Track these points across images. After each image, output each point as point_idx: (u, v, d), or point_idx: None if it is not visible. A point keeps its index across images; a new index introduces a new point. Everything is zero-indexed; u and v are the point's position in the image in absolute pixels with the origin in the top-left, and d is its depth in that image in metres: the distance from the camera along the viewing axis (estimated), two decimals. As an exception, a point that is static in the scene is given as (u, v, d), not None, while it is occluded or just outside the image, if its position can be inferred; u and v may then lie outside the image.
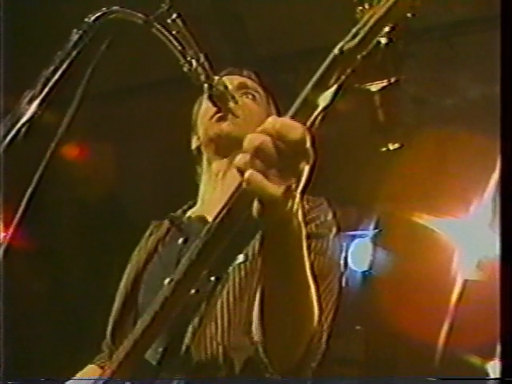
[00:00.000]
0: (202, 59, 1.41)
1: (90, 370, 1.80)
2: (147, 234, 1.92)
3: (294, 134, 0.99)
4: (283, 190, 1.01)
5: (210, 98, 1.53)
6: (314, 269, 1.30)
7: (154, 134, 5.07)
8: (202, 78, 1.44)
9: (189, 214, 1.87)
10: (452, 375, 4.20)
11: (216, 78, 1.48)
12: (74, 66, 1.28)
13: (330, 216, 1.67)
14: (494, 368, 3.70)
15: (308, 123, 1.02)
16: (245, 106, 1.83)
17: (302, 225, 1.16)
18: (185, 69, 1.43)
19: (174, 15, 1.37)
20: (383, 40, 1.04)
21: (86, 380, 1.44)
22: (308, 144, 1.01)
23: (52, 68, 1.27)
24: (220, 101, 1.56)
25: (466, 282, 4.07)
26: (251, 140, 1.00)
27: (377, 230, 5.14)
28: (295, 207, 1.09)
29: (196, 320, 1.55)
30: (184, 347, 1.53)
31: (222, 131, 1.78)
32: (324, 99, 1.04)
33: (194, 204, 1.91)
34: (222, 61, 1.72)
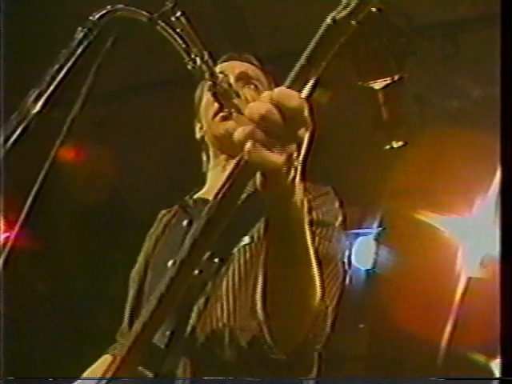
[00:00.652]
0: (206, 57, 1.41)
1: (105, 361, 1.80)
2: (157, 221, 1.93)
3: (293, 101, 0.99)
4: (285, 158, 1.01)
5: (214, 95, 1.54)
6: (318, 253, 1.31)
7: (158, 132, 5.07)
8: (206, 75, 1.45)
9: (194, 197, 1.89)
10: (456, 373, 4.20)
11: (220, 75, 1.48)
12: (78, 64, 1.28)
13: (336, 204, 1.68)
14: (497, 366, 3.70)
15: (304, 93, 1.03)
16: (249, 97, 1.82)
17: (305, 199, 1.16)
18: (189, 66, 1.43)
19: (179, 13, 1.37)
20: (373, 9, 1.05)
21: (87, 380, 1.44)
22: (306, 112, 1.01)
23: (57, 66, 1.27)
24: (224, 98, 1.56)
25: (469, 279, 4.07)
26: (254, 108, 1.00)
27: (380, 229, 5.13)
28: (297, 177, 1.09)
29: (201, 301, 1.56)
30: (189, 328, 1.54)
31: (228, 131, 1.78)
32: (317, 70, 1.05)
33: (201, 189, 1.92)
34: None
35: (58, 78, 1.25)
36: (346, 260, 1.67)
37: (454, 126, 4.35)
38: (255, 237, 1.59)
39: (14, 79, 2.21)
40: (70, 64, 1.27)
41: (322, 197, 1.66)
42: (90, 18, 1.33)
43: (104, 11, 1.34)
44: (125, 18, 1.35)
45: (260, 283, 1.37)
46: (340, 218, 1.66)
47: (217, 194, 1.10)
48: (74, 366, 1.80)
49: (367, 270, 5.13)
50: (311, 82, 1.05)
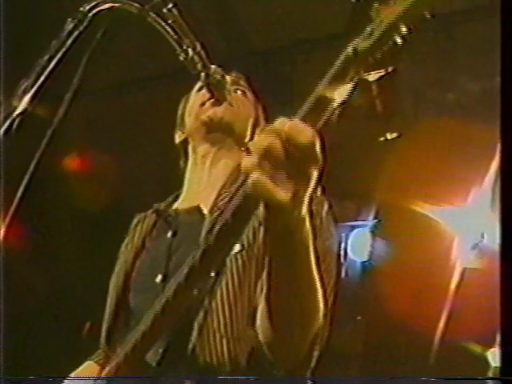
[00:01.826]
0: (199, 48, 1.41)
1: (88, 368, 1.79)
2: (132, 227, 1.90)
3: (304, 137, 0.96)
4: (291, 195, 0.98)
5: (207, 86, 1.53)
6: (320, 270, 1.28)
7: (141, 129, 5.06)
8: (199, 66, 1.44)
9: (175, 205, 1.85)
10: (452, 363, 4.21)
11: (212, 66, 1.47)
12: (69, 56, 1.28)
13: (325, 208, 1.65)
14: (494, 355, 3.71)
15: (318, 125, 0.99)
16: (237, 98, 1.84)
17: (310, 230, 1.13)
18: (181, 58, 1.42)
19: (170, 5, 1.36)
20: (399, 40, 0.99)
21: (85, 379, 1.43)
22: (318, 148, 0.98)
23: (47, 57, 1.26)
24: (216, 90, 1.56)
25: (464, 270, 4.07)
26: (259, 141, 0.97)
27: (376, 221, 5.13)
28: (303, 213, 1.06)
29: (200, 316, 1.54)
30: (191, 345, 1.52)
31: (216, 114, 1.79)
32: (338, 96, 1.01)
33: (179, 195, 1.89)
34: (218, 52, 1.73)
35: (49, 69, 1.25)
36: (341, 252, 1.66)
37: (448, 118, 4.35)
38: (245, 243, 1.57)
39: (4, 71, 2.19)
40: (60, 55, 1.26)
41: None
42: (81, 9, 1.32)
43: (94, 2, 1.33)
44: (116, 9, 1.34)
45: (262, 301, 1.36)
46: (326, 207, 1.64)
47: (211, 208, 1.06)
48: (72, 365, 1.79)
49: (363, 262, 5.12)
50: (326, 114, 1.00)
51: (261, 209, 1.03)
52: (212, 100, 1.78)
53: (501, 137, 1.28)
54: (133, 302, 1.72)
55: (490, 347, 3.75)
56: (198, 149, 1.87)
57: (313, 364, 1.54)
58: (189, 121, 1.90)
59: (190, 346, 1.52)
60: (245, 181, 1.00)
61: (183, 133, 1.94)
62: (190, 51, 1.40)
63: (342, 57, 1.01)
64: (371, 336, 5.23)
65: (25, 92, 1.25)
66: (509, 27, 1.29)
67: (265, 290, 1.32)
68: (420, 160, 4.45)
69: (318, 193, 1.63)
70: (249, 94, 1.93)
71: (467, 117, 4.26)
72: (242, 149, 1.85)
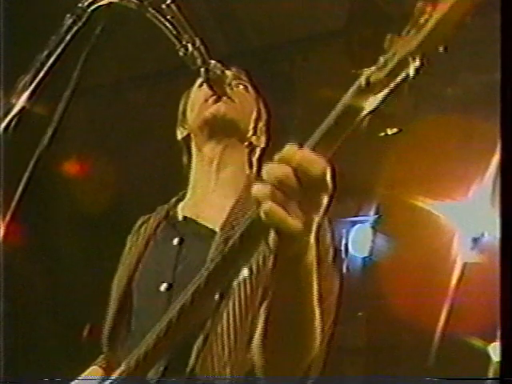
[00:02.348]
0: (198, 43, 1.41)
1: (93, 372, 1.79)
2: (135, 229, 1.89)
3: (316, 168, 0.97)
4: (303, 223, 0.99)
5: (207, 81, 1.53)
6: (321, 293, 1.27)
7: (142, 126, 5.05)
8: (199, 62, 1.44)
9: (181, 207, 1.83)
10: (454, 358, 4.21)
11: (212, 62, 1.47)
12: (68, 52, 1.27)
13: (328, 239, 1.63)
14: (495, 350, 3.71)
15: (329, 154, 1.00)
16: (239, 93, 1.83)
17: (315, 254, 1.13)
18: (180, 53, 1.42)
19: (169, 0, 1.36)
20: (411, 73, 0.98)
21: (86, 380, 1.43)
22: (329, 177, 0.99)
23: (46, 52, 1.26)
24: (216, 85, 1.55)
25: (465, 264, 4.07)
26: (272, 170, 0.98)
27: (377, 216, 5.13)
28: (312, 239, 1.07)
29: (201, 339, 1.52)
30: (189, 368, 1.51)
31: (219, 111, 1.77)
32: (345, 129, 1.01)
33: (184, 195, 1.88)
34: (216, 50, 1.72)
35: (47, 65, 1.24)
36: (343, 248, 1.66)
37: (450, 112, 4.34)
38: (254, 268, 1.56)
39: (3, 68, 2.18)
40: (58, 51, 1.25)
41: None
42: (79, 5, 1.32)
43: (93, -2, 1.33)
44: (114, 5, 1.33)
45: (261, 323, 1.35)
46: (331, 253, 1.61)
47: (224, 226, 1.02)
48: (72, 366, 1.79)
49: (364, 257, 5.12)
50: (337, 145, 1.00)
51: (271, 235, 1.04)
52: (214, 97, 1.76)
53: (501, 132, 1.28)
54: (136, 305, 1.72)
55: (492, 342, 3.75)
56: (202, 148, 1.84)
57: None
58: (191, 117, 1.88)
59: (189, 368, 1.51)
60: (257, 207, 1.01)
61: (185, 129, 1.92)
62: (190, 46, 1.40)
63: (354, 87, 1.01)
64: (372, 331, 5.23)
65: (23, 89, 1.25)
66: (509, 22, 1.28)
67: (264, 313, 1.31)
68: (421, 155, 4.45)
69: (328, 240, 1.61)
70: (250, 88, 1.92)
71: (468, 112, 4.25)
72: (246, 143, 1.84)
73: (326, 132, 1.00)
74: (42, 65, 1.25)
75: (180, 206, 1.85)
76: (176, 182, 1.95)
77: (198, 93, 1.85)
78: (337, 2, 4.06)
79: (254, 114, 1.87)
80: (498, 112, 1.29)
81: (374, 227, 5.11)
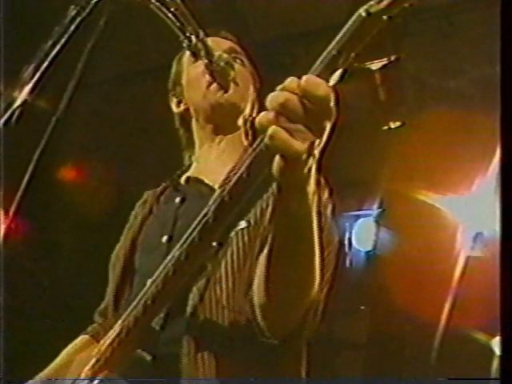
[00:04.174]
0: (202, 35, 1.41)
1: (84, 341, 1.81)
2: (140, 202, 1.91)
3: (321, 91, 0.99)
4: (307, 145, 1.01)
5: (211, 73, 1.53)
6: (322, 242, 1.30)
7: (146, 121, 5.05)
8: (202, 53, 1.44)
9: (185, 175, 1.86)
10: (457, 352, 4.22)
11: (216, 53, 1.47)
12: (71, 43, 1.27)
13: (326, 194, 1.65)
14: (498, 344, 3.70)
15: (331, 82, 1.02)
16: (240, 73, 1.81)
17: (315, 189, 1.15)
18: (184, 45, 1.42)
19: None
20: (407, 5, 1.03)
21: (86, 380, 1.44)
22: (332, 102, 1.01)
23: (49, 44, 1.26)
24: (221, 76, 1.56)
25: (468, 258, 4.07)
26: (275, 97, 0.99)
27: (380, 210, 5.13)
28: (314, 167, 1.08)
29: (201, 282, 1.56)
30: (190, 309, 1.54)
31: (227, 101, 1.76)
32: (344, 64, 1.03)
33: (189, 167, 1.90)
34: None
35: (50, 57, 1.24)
36: (346, 242, 1.67)
37: (452, 106, 4.34)
38: (252, 221, 1.59)
39: (5, 61, 2.18)
40: (62, 42, 1.25)
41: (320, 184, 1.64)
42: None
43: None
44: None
45: (262, 262, 1.37)
46: (330, 207, 1.64)
47: (225, 180, 1.07)
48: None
49: (367, 251, 5.13)
50: (339, 72, 1.03)
51: (276, 160, 1.04)
52: (216, 84, 1.75)
53: (501, 125, 1.28)
54: (138, 262, 1.75)
55: (495, 336, 3.75)
56: (204, 124, 1.84)
57: (306, 335, 1.56)
58: (190, 95, 1.86)
59: (191, 309, 1.54)
60: (258, 144, 1.04)
61: (181, 101, 1.90)
62: (193, 38, 1.41)
63: (354, 18, 1.04)
64: (375, 325, 5.24)
65: (26, 82, 1.25)
66: (510, 16, 1.28)
67: (266, 254, 1.33)
68: (424, 149, 4.45)
69: (326, 194, 1.64)
70: (245, 60, 1.90)
71: (471, 105, 4.25)
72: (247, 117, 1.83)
73: (329, 59, 1.04)
74: (45, 56, 1.25)
75: (185, 174, 1.88)
76: (175, 163, 1.95)
77: (196, 73, 1.80)
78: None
79: (251, 89, 1.87)
80: (500, 106, 1.29)
81: (377, 221, 5.12)
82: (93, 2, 1.30)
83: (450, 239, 4.35)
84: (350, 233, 4.95)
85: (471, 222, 4.29)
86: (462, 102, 4.34)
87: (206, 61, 1.48)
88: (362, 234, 5.10)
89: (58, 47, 1.26)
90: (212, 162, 1.82)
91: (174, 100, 1.93)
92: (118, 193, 5.35)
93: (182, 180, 1.85)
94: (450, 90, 4.41)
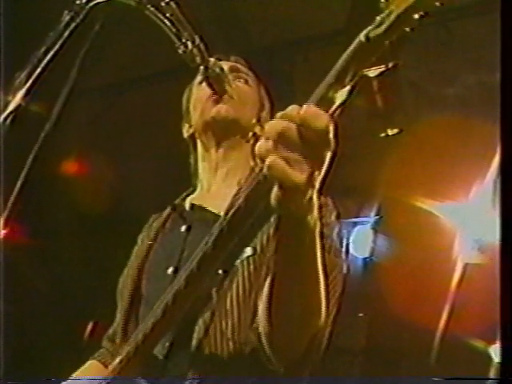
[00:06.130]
0: (198, 41, 1.40)
1: (92, 366, 1.79)
2: (147, 226, 1.91)
3: (320, 122, 0.98)
4: (306, 176, 1.00)
5: (207, 80, 1.53)
6: (325, 268, 1.28)
7: (147, 126, 5.04)
8: (198, 59, 1.44)
9: (189, 200, 1.86)
10: (455, 359, 4.20)
11: (211, 59, 1.47)
12: (65, 48, 1.27)
13: (333, 217, 1.66)
14: (496, 351, 3.70)
15: (330, 111, 1.01)
16: (239, 89, 1.81)
17: (317, 217, 1.13)
18: (180, 51, 1.42)
19: (168, -2, 1.35)
20: (407, 29, 1.01)
21: (86, 380, 1.43)
22: (332, 133, 1.00)
23: (43, 49, 1.25)
24: (216, 83, 1.55)
25: (466, 265, 4.07)
26: (273, 126, 0.99)
27: (378, 217, 5.13)
28: (314, 196, 1.07)
29: (206, 314, 1.54)
30: (195, 342, 1.52)
31: (219, 114, 1.76)
32: (342, 94, 1.02)
33: (193, 191, 1.89)
34: (216, 49, 1.72)
35: (45, 62, 1.24)
36: (344, 249, 1.66)
37: (450, 113, 4.34)
38: (258, 248, 1.57)
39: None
40: (56, 47, 1.25)
41: (324, 208, 1.62)
42: (77, 1, 1.31)
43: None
44: (113, 2, 1.33)
45: (265, 290, 1.36)
46: (336, 230, 1.64)
47: (228, 209, 1.06)
48: (74, 366, 1.79)
49: (365, 258, 5.12)
50: (347, 89, 1.02)
51: (275, 191, 1.03)
52: (214, 96, 1.75)
53: (501, 132, 1.28)
54: (145, 290, 1.74)
55: (493, 343, 3.74)
56: (207, 145, 1.84)
57: (311, 363, 1.54)
58: (194, 116, 1.87)
59: (196, 343, 1.52)
60: (259, 171, 1.03)
61: (190, 126, 1.91)
62: (189, 44, 1.40)
63: (354, 44, 1.03)
64: (373, 332, 5.23)
65: (20, 86, 1.24)
66: (509, 22, 1.28)
67: (269, 281, 1.32)
68: (421, 156, 4.45)
69: (333, 217, 1.64)
70: (250, 79, 1.90)
71: (469, 112, 4.24)
72: (250, 135, 1.83)
73: (328, 89, 1.02)
74: (39, 61, 1.25)
75: (188, 199, 1.87)
76: (178, 181, 1.95)
77: (199, 91, 1.84)
78: (337, 2, 4.06)
79: (257, 106, 1.86)
80: (499, 113, 1.28)
81: (375, 228, 5.12)
82: (87, 7, 1.29)
83: (447, 246, 4.35)
84: (348, 239, 4.94)
85: (469, 229, 4.29)
86: (460, 109, 4.34)
87: (201, 67, 1.48)
88: (360, 240, 5.10)
89: (52, 52, 1.25)
90: (216, 185, 1.81)
91: (186, 126, 1.94)
92: (115, 199, 5.34)
93: (187, 206, 1.83)
94: (448, 96, 4.41)
